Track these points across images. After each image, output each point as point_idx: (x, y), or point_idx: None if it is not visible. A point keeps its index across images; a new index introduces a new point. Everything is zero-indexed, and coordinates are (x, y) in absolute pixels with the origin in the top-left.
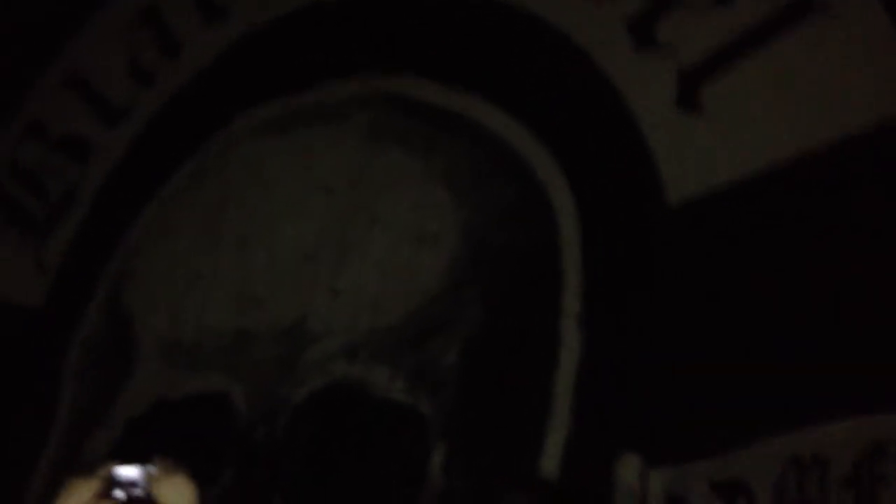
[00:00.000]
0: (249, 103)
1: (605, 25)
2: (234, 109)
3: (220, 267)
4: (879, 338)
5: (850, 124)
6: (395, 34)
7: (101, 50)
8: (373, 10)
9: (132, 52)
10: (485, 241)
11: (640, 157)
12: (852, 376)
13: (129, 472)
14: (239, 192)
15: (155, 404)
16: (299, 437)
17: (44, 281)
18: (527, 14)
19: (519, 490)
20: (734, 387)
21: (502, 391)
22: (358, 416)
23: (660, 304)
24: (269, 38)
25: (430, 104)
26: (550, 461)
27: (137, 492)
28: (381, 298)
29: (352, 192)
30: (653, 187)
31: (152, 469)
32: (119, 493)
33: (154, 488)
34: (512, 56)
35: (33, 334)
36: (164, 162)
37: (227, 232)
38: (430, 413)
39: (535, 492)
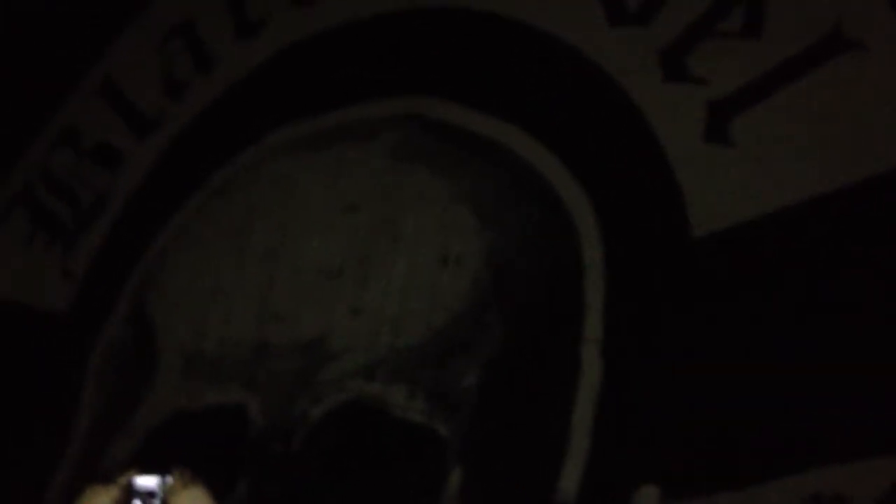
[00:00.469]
0: (280, 120)
1: (637, 55)
2: (264, 125)
3: (244, 281)
4: None
5: (882, 162)
6: (426, 56)
7: (137, 61)
8: (404, 32)
9: (166, 64)
10: (508, 264)
11: (667, 188)
12: (878, 415)
13: (147, 481)
14: (266, 207)
15: (174, 415)
16: (315, 453)
17: (69, 287)
18: (558, 41)
19: None
20: (756, 421)
21: (521, 416)
22: (375, 435)
23: (682, 335)
24: (302, 55)
25: (458, 127)
26: (567, 490)
27: (155, 502)
28: (402, 318)
29: (377, 210)
30: (678, 218)
31: (170, 480)
32: (137, 503)
33: (171, 499)
34: (541, 82)
35: (57, 340)
36: (192, 175)
37: (252, 246)
38: (447, 435)
39: None
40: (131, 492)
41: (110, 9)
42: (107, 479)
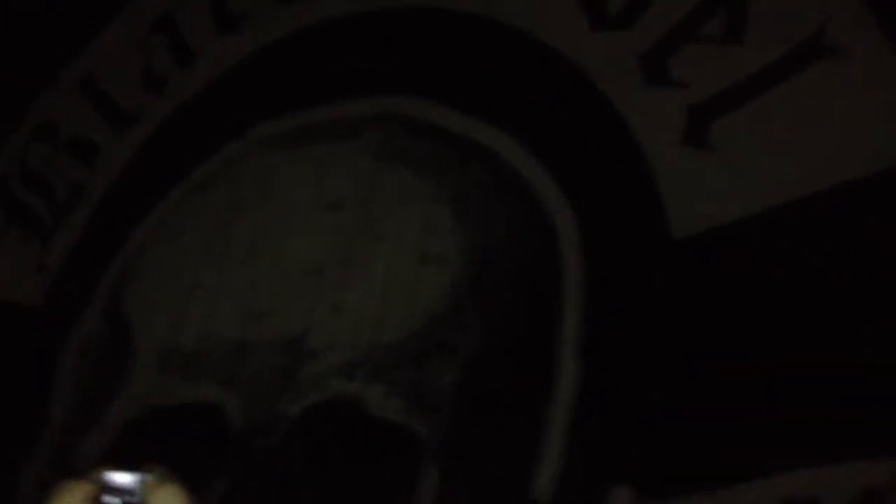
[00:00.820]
0: (262, 116)
1: (618, 59)
2: (246, 121)
3: (224, 277)
4: (884, 382)
5: (860, 166)
6: (409, 56)
7: (116, 55)
8: (388, 32)
9: (146, 59)
10: (488, 265)
11: (646, 190)
12: (853, 419)
13: (122, 478)
14: (246, 203)
15: (150, 411)
16: (295, 452)
17: (44, 281)
18: (540, 44)
19: None
20: (731, 424)
21: (498, 416)
22: (353, 434)
23: (659, 337)
24: (285, 52)
25: (441, 127)
26: (543, 490)
27: (130, 499)
28: (382, 317)
29: (359, 209)
30: (657, 220)
31: (146, 477)
32: (111, 500)
33: (147, 496)
34: (523, 84)
35: (31, 334)
36: (171, 170)
37: (232, 243)
38: (424, 434)
39: None
40: (105, 488)
41: (90, 2)
42: (80, 474)
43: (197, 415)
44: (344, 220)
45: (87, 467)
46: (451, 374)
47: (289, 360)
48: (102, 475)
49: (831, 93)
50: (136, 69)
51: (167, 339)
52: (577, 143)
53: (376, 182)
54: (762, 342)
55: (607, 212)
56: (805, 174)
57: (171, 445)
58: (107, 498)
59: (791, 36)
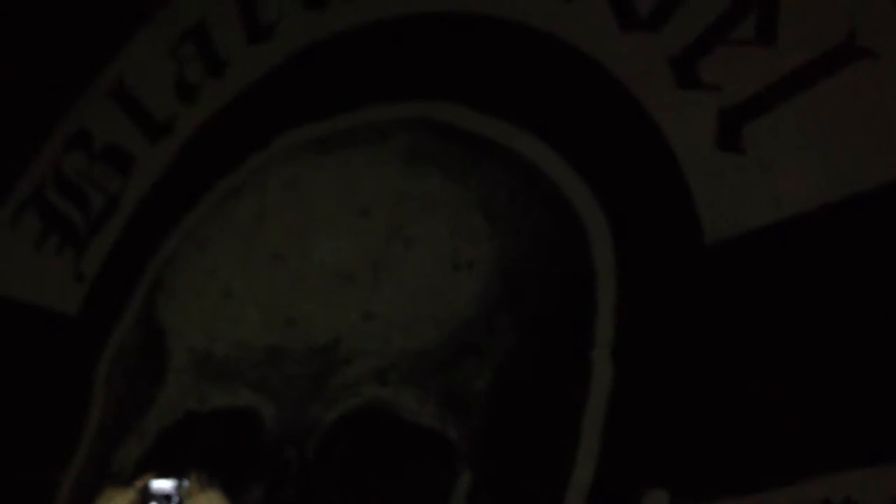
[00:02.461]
0: (292, 123)
1: (648, 61)
2: (276, 129)
3: (255, 283)
4: None
5: (893, 168)
6: (437, 60)
7: (148, 64)
8: (415, 37)
9: (178, 67)
10: (519, 269)
11: (679, 194)
12: (889, 422)
13: (163, 485)
14: (276, 210)
15: (185, 417)
16: (329, 459)
17: (81, 289)
18: (569, 46)
19: None
20: (767, 427)
21: (531, 420)
22: (387, 440)
23: (693, 341)
24: (314, 59)
25: (470, 131)
26: (577, 494)
27: None
28: (413, 322)
29: (389, 214)
30: (690, 224)
31: (187, 483)
32: None
33: (188, 503)
34: (552, 87)
35: (68, 341)
36: (203, 177)
37: (263, 249)
38: (457, 439)
39: None
40: (147, 495)
41: (122, 11)
42: (118, 481)
43: (232, 421)
44: (373, 226)
45: (124, 474)
46: (483, 379)
47: (321, 366)
48: (144, 482)
49: (864, 95)
50: (169, 77)
51: (201, 346)
52: (608, 147)
53: (405, 187)
54: (796, 346)
55: (639, 215)
56: (838, 178)
57: (207, 452)
58: None
59: (822, 38)
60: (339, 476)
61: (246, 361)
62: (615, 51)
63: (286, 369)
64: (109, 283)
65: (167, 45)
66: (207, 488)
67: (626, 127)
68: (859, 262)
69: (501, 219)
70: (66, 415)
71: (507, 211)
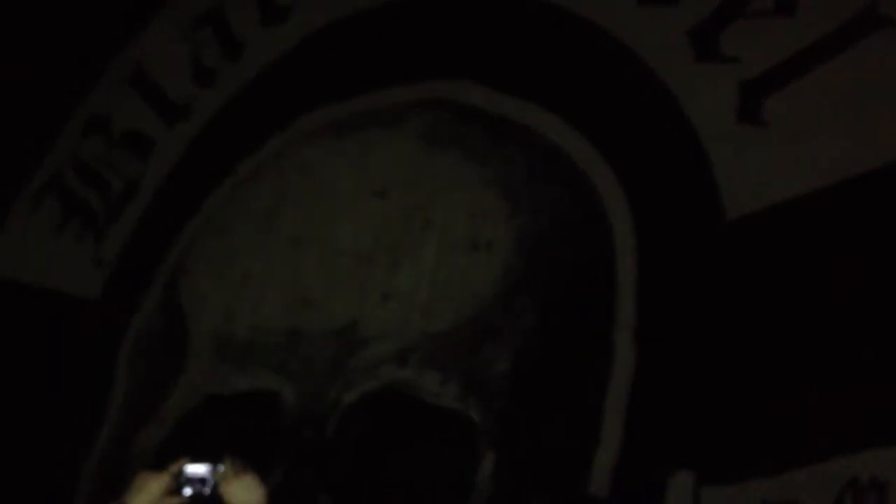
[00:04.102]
0: (309, 106)
1: (667, 35)
2: (293, 111)
3: (274, 266)
4: None
5: None
6: (454, 40)
7: (166, 48)
8: (432, 17)
9: (195, 51)
10: (539, 249)
11: (699, 169)
12: None
13: (198, 469)
14: (295, 193)
15: (206, 400)
16: (348, 439)
17: (101, 274)
18: (586, 22)
19: None
20: (791, 406)
21: (554, 402)
22: (407, 421)
23: (716, 319)
24: (329, 41)
25: (487, 111)
26: (601, 475)
27: (206, 489)
28: (433, 303)
29: (407, 196)
30: (711, 200)
31: (221, 468)
32: (188, 491)
33: (223, 487)
34: (570, 64)
35: (90, 326)
36: (222, 161)
37: (281, 232)
38: (480, 420)
39: None
40: (182, 479)
41: None
42: (143, 464)
43: (253, 403)
44: (391, 207)
45: (146, 457)
46: (505, 360)
47: (340, 348)
48: (179, 466)
49: (885, 66)
50: (186, 61)
51: (221, 329)
52: (627, 123)
53: (423, 168)
54: (821, 321)
55: (660, 192)
56: (861, 151)
57: (229, 434)
58: (185, 489)
59: (843, 8)
60: (359, 456)
61: (266, 344)
62: (633, 25)
63: (305, 351)
64: (130, 267)
65: (184, 29)
66: (242, 473)
67: (645, 102)
68: (882, 236)
69: (520, 198)
70: (89, 399)
71: (526, 190)
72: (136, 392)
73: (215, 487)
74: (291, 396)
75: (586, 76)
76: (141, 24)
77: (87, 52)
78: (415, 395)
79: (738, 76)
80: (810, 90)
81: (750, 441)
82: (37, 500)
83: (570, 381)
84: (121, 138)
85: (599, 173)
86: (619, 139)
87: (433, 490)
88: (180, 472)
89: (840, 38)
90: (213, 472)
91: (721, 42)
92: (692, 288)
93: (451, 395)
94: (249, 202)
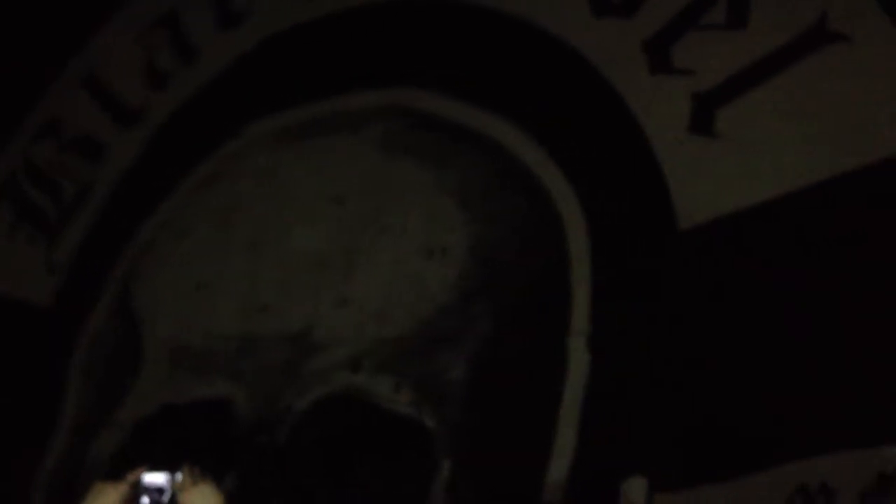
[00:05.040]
0: (264, 110)
1: (622, 46)
2: (248, 116)
3: (229, 272)
4: (891, 368)
5: (865, 153)
6: (410, 47)
7: (119, 52)
8: (390, 24)
9: (149, 55)
10: (495, 255)
11: (652, 179)
12: (863, 406)
13: (156, 478)
14: (250, 198)
15: (161, 407)
16: (302, 445)
17: (54, 280)
18: (543, 32)
19: None
20: (743, 412)
21: (509, 408)
22: (361, 427)
23: (668, 325)
24: (286, 46)
25: (444, 118)
26: (556, 482)
27: (164, 498)
28: (387, 309)
29: (363, 201)
30: (663, 209)
31: (180, 477)
32: (146, 500)
33: (181, 496)
34: (527, 74)
35: (42, 332)
36: (176, 166)
37: (237, 238)
38: (435, 427)
39: None
40: (140, 489)
41: (91, 1)
42: (96, 473)
43: (207, 410)
44: (348, 213)
45: (99, 466)
46: (460, 366)
47: (294, 353)
48: (136, 475)
49: (835, 79)
50: (139, 65)
51: (176, 336)
52: (581, 132)
53: (380, 174)
54: (771, 331)
55: (614, 201)
56: (809, 162)
57: (183, 441)
58: (142, 498)
59: (794, 22)
60: (312, 463)
61: (220, 350)
62: (589, 36)
63: (260, 357)
64: (83, 273)
65: (137, 32)
66: (200, 481)
67: (599, 112)
68: (831, 245)
69: (476, 206)
70: (42, 407)
71: (482, 198)
72: (89, 399)
73: (173, 496)
74: (246, 403)
75: (543, 85)
76: (94, 27)
77: (40, 55)
78: (368, 402)
79: (690, 88)
80: (761, 102)
81: (702, 447)
82: None
83: (526, 388)
84: (73, 142)
85: (554, 182)
86: (574, 149)
87: (389, 498)
88: (138, 482)
89: (790, 52)
90: (171, 480)
91: (674, 54)
92: (645, 296)
93: (405, 401)
94: (205, 207)
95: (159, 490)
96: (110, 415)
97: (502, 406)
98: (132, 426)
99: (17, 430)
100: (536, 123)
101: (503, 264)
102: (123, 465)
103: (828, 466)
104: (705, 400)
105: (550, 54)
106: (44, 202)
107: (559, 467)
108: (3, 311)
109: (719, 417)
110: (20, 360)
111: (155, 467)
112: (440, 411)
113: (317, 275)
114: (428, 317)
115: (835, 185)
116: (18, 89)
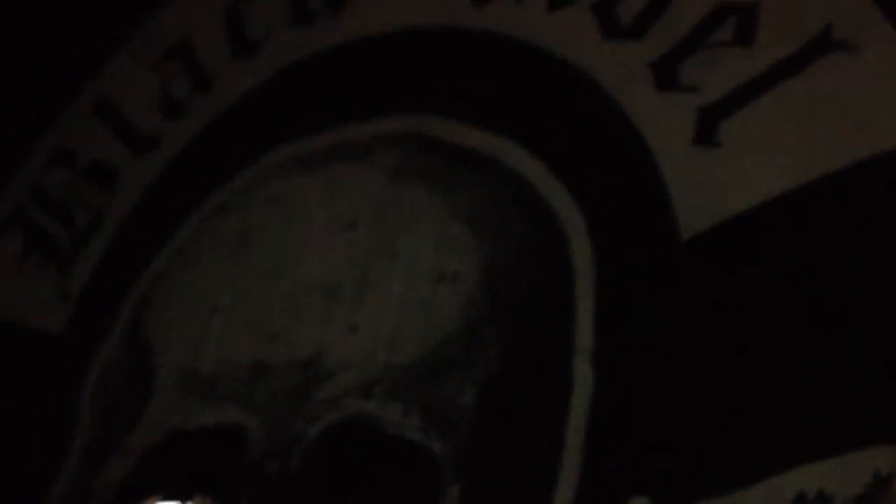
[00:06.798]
0: (278, 140)
1: (630, 68)
2: (262, 145)
3: (241, 300)
4: (883, 369)
5: (865, 153)
6: (421, 75)
7: (133, 80)
8: (401, 52)
9: (163, 83)
10: (503, 280)
11: (656, 194)
12: (857, 409)
13: None
14: (263, 226)
15: (170, 435)
16: (313, 473)
17: (65, 307)
18: (553, 55)
19: None
20: (743, 424)
21: (516, 432)
22: (371, 454)
23: (671, 341)
24: (300, 75)
25: (454, 143)
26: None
27: None
28: (398, 336)
29: (374, 229)
30: (666, 222)
31: None
32: None
33: None
34: (533, 94)
35: (53, 360)
36: (189, 195)
37: (249, 266)
38: (443, 453)
39: None
40: None
41: (106, 26)
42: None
43: (218, 438)
44: (359, 240)
45: (108, 493)
46: (469, 392)
47: (305, 380)
48: None
49: (839, 88)
50: (154, 93)
51: (187, 363)
52: (589, 153)
53: (390, 201)
54: (771, 338)
55: (619, 219)
56: (806, 162)
57: (193, 469)
58: None
59: (800, 36)
60: (323, 491)
61: (231, 378)
62: (597, 58)
63: (270, 384)
64: (95, 301)
65: (152, 60)
66: None
67: (607, 132)
68: (827, 248)
69: (485, 230)
70: (52, 435)
71: (492, 221)
72: (99, 427)
73: None
74: (256, 430)
75: (551, 108)
76: (108, 54)
77: (53, 83)
78: (378, 428)
79: (695, 102)
80: (763, 111)
81: (702, 462)
82: None
83: (533, 411)
84: (85, 170)
85: (561, 202)
86: (581, 169)
87: None
88: None
89: (796, 62)
90: None
91: (681, 73)
92: (649, 311)
93: (414, 427)
94: (218, 235)
95: None
96: (121, 442)
97: (510, 430)
98: (142, 453)
99: (27, 460)
100: (545, 145)
101: (511, 288)
102: (133, 492)
103: (825, 472)
104: (707, 412)
105: (559, 76)
106: (55, 230)
107: (565, 491)
108: (14, 339)
109: (720, 430)
110: (31, 389)
111: (167, 497)
112: (448, 437)
113: (328, 301)
114: (438, 342)
115: (837, 179)
116: (30, 116)
